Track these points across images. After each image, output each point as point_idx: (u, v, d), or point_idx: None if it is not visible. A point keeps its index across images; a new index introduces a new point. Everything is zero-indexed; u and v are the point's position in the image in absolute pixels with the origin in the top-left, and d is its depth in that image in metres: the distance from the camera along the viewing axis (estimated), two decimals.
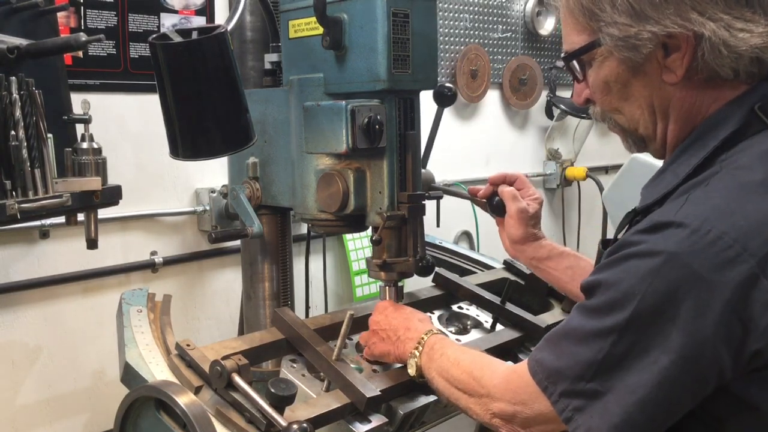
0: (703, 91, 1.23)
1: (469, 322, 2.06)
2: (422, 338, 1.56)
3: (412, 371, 1.56)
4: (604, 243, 1.41)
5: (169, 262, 2.59)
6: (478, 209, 3.62)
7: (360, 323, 1.85)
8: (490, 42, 3.79)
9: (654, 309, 1.10)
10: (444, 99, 1.82)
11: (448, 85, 1.81)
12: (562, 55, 1.34)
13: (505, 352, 1.93)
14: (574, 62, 1.31)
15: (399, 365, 1.70)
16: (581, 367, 1.17)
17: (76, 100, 1.89)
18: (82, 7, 2.33)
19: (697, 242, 1.08)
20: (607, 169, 4.48)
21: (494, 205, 1.84)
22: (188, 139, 1.64)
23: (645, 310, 1.10)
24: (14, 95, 1.63)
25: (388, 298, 1.72)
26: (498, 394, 1.33)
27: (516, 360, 1.94)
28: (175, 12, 2.56)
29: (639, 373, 1.12)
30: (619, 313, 1.13)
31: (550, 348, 1.25)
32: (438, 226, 1.91)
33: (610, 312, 1.14)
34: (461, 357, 1.47)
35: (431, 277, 2.04)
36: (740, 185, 1.13)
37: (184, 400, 1.39)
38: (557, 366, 1.21)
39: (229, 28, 1.64)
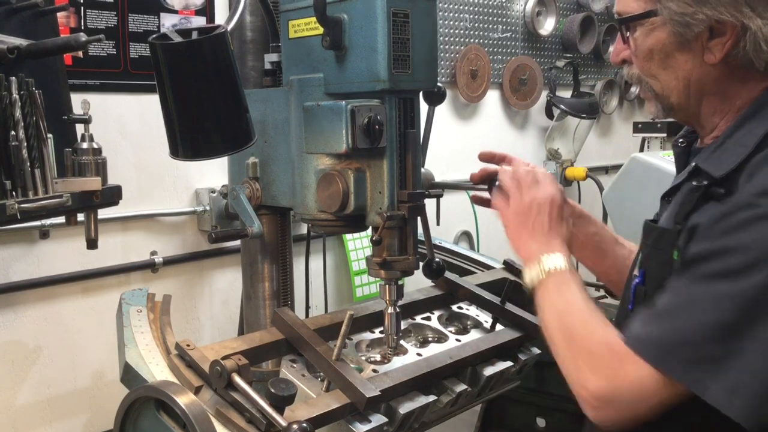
0: (736, 76, 1.34)
1: (469, 322, 2.06)
2: (557, 262, 1.47)
3: (529, 281, 1.48)
4: (652, 222, 1.46)
5: (169, 262, 2.59)
6: (478, 209, 3.62)
7: (360, 323, 1.85)
8: (490, 42, 3.79)
9: None
10: (433, 97, 1.83)
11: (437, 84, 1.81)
12: (616, 16, 1.42)
13: (505, 352, 1.93)
14: (638, 25, 1.38)
15: (399, 361, 1.70)
16: (710, 331, 1.18)
17: (76, 100, 1.89)
18: (82, 7, 2.33)
19: None
20: (607, 169, 4.49)
21: (498, 188, 1.82)
22: (188, 139, 1.64)
23: None
24: (14, 95, 1.63)
25: (388, 297, 1.72)
26: (599, 373, 1.28)
27: (516, 360, 1.94)
28: (175, 12, 2.56)
29: None
30: (759, 273, 1.16)
31: (660, 323, 1.24)
32: (438, 225, 1.91)
33: (746, 274, 1.17)
34: (584, 308, 1.40)
35: None
36: None
37: (184, 400, 1.39)
38: (676, 338, 1.21)
39: (229, 28, 1.63)
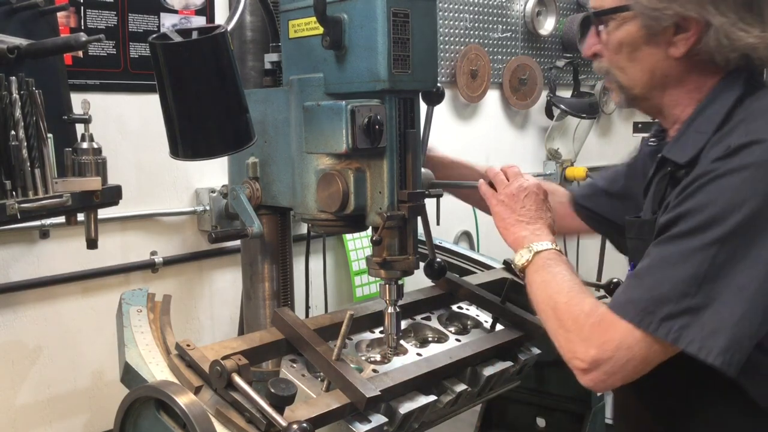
0: (697, 70, 1.45)
1: (469, 322, 2.06)
2: (544, 245, 1.57)
3: (519, 262, 1.57)
4: (634, 217, 1.57)
5: (169, 262, 2.59)
6: (478, 209, 3.62)
7: (360, 323, 1.85)
8: (490, 42, 3.79)
9: (760, 210, 1.26)
10: (432, 97, 1.83)
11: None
12: (591, 11, 1.52)
13: (504, 352, 1.93)
14: (613, 19, 1.48)
15: (399, 361, 1.70)
16: (683, 285, 1.27)
17: (76, 100, 1.89)
18: (82, 7, 2.33)
19: None
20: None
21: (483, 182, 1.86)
22: (188, 139, 1.64)
23: (751, 214, 1.25)
24: (14, 95, 1.63)
25: (388, 297, 1.72)
26: (589, 338, 1.36)
27: (516, 360, 1.94)
28: (175, 12, 2.56)
29: (747, 270, 1.25)
30: (720, 226, 1.26)
31: (637, 285, 1.33)
32: (438, 225, 1.91)
33: (709, 228, 1.27)
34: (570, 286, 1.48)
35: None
36: None
37: (184, 400, 1.39)
38: (652, 296, 1.29)
39: (229, 28, 1.63)
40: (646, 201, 1.55)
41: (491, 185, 1.75)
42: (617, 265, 1.71)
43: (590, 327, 1.35)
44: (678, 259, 1.28)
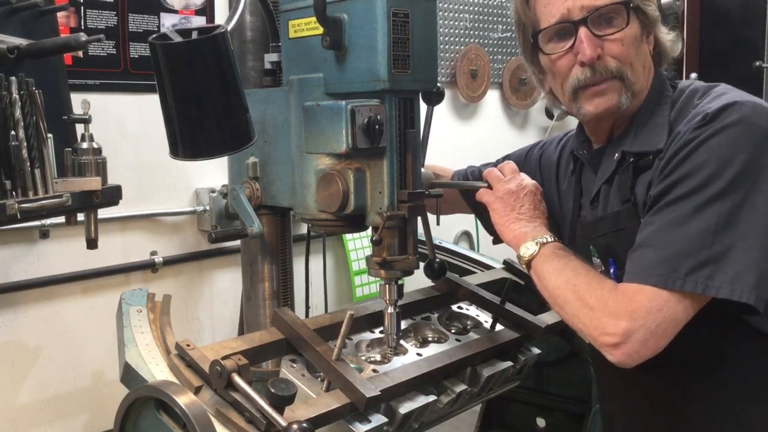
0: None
1: (469, 322, 2.06)
2: (547, 238, 1.60)
3: (526, 254, 1.60)
4: (596, 218, 1.64)
5: (169, 262, 2.59)
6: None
7: (360, 323, 1.85)
8: (490, 42, 3.79)
9: (751, 161, 1.34)
10: (432, 97, 1.83)
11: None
12: (605, 9, 1.54)
13: (504, 352, 1.93)
14: (624, 12, 1.54)
15: (399, 361, 1.70)
16: (697, 239, 1.32)
17: (76, 100, 1.89)
18: (82, 7, 2.33)
19: (763, 110, 1.40)
20: None
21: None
22: (188, 139, 1.64)
23: (743, 166, 1.34)
24: (14, 95, 1.63)
25: (388, 297, 1.72)
26: (618, 311, 1.38)
27: (516, 360, 1.94)
28: (175, 12, 2.56)
29: (754, 214, 1.33)
30: (718, 182, 1.33)
31: (648, 252, 1.36)
32: (438, 224, 1.91)
33: (708, 186, 1.34)
34: (586, 271, 1.52)
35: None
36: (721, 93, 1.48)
37: (184, 400, 1.39)
38: (669, 255, 1.33)
39: (229, 28, 1.63)
40: (602, 200, 1.61)
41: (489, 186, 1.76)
42: None
43: (615, 301, 1.38)
44: (685, 218, 1.33)
